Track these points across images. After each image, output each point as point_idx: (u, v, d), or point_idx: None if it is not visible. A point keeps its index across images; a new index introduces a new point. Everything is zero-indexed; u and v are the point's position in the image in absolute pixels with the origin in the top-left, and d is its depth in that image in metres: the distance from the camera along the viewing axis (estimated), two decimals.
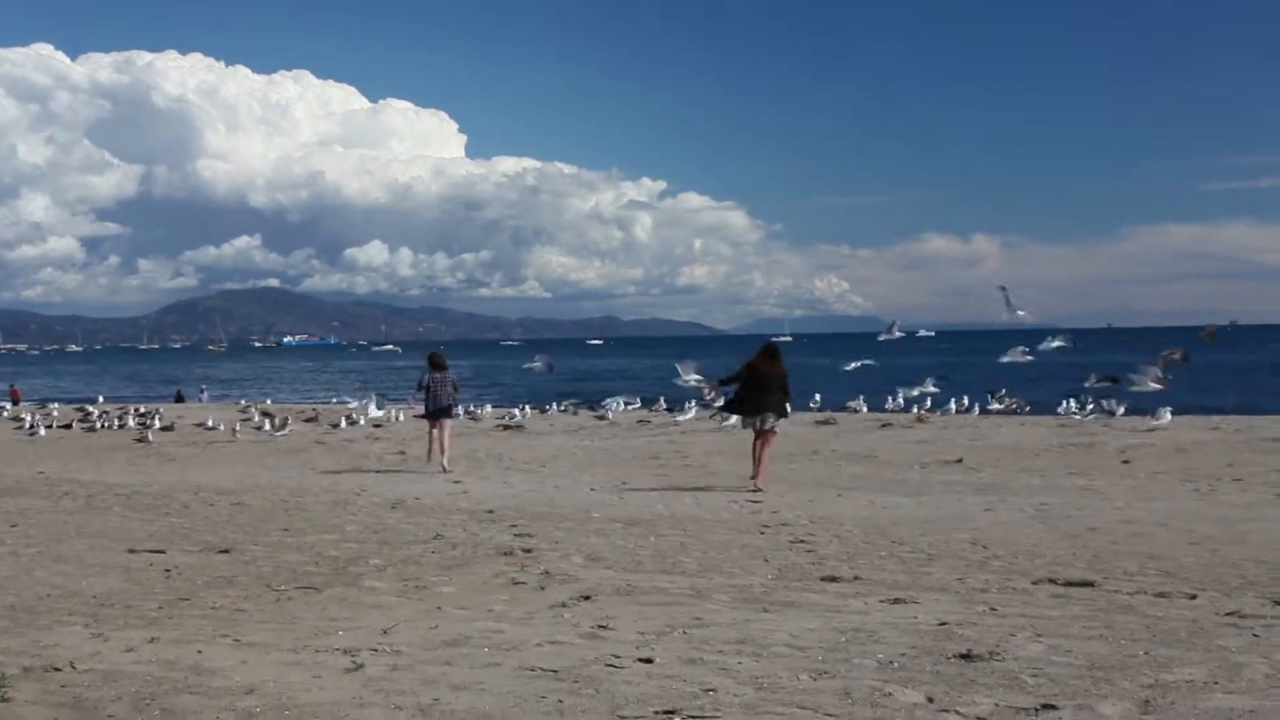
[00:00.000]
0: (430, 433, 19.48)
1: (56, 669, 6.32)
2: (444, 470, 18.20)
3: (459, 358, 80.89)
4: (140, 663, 6.47)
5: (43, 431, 26.47)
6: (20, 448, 22.16)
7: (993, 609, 7.78)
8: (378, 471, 17.37)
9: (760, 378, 16.36)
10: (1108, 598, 8.19)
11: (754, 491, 15.02)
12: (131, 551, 10.54)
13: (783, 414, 16.46)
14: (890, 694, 5.72)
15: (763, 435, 16.14)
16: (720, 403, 21.73)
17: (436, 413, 19.11)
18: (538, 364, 30.21)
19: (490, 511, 12.89)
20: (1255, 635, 6.90)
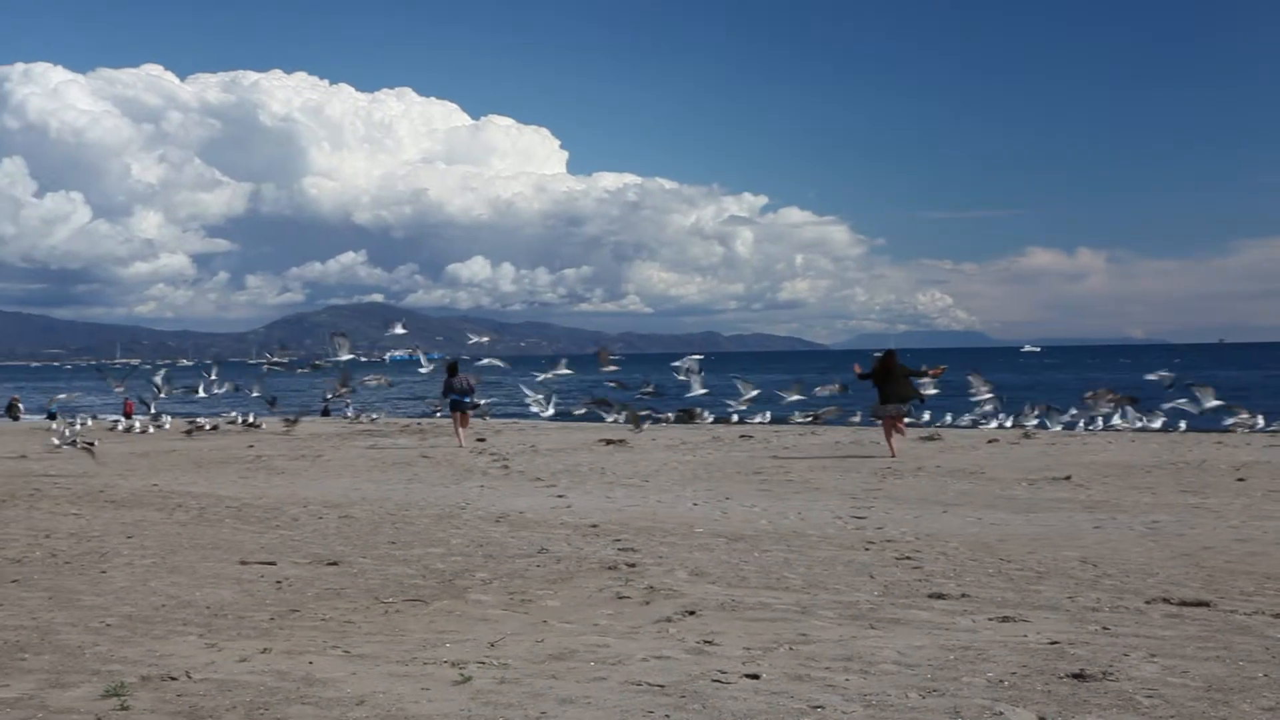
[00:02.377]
0: (454, 420, 26.35)
1: (173, 678, 6.45)
2: (466, 449, 24.12)
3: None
4: (254, 673, 6.59)
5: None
6: (134, 461, 22.62)
7: (1105, 628, 7.65)
8: (481, 485, 17.49)
9: (889, 373, 21.68)
10: (1224, 618, 8.01)
11: (891, 459, 20.14)
12: (243, 563, 10.72)
13: (909, 400, 22.19)
14: (1001, 713, 5.65)
15: (895, 418, 21.60)
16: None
17: (454, 405, 26.21)
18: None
19: (594, 526, 12.93)
20: None
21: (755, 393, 29.79)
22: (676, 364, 32.41)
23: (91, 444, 23.42)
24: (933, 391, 26.43)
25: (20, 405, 45.18)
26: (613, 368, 31.96)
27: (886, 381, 21.66)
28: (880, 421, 22.14)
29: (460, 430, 26.06)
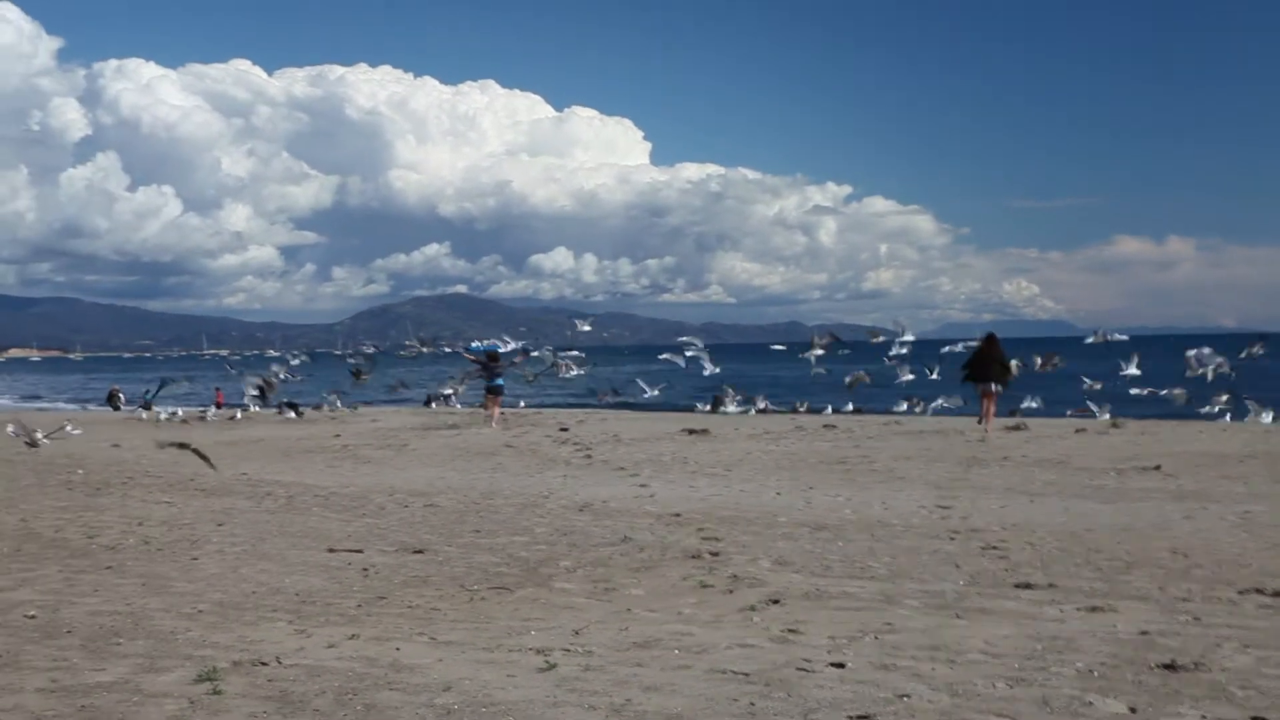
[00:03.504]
0: (488, 401, 29.72)
1: (263, 663, 6.55)
2: (492, 427, 27.30)
3: (643, 363, 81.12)
4: (342, 659, 6.67)
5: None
6: (222, 450, 22.94)
7: (1196, 619, 7.54)
8: (564, 475, 17.55)
9: (984, 356, 24.34)
10: None
11: (982, 437, 22.03)
12: (331, 551, 10.85)
13: (1002, 381, 24.43)
14: (1091, 703, 5.60)
15: (989, 395, 24.12)
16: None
17: (490, 390, 29.52)
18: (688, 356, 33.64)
19: (677, 515, 12.94)
20: None
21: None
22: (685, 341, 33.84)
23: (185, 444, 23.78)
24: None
25: (121, 395, 45.91)
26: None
27: (984, 363, 24.29)
28: (980, 395, 24.69)
29: (495, 410, 29.39)
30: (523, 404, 40.37)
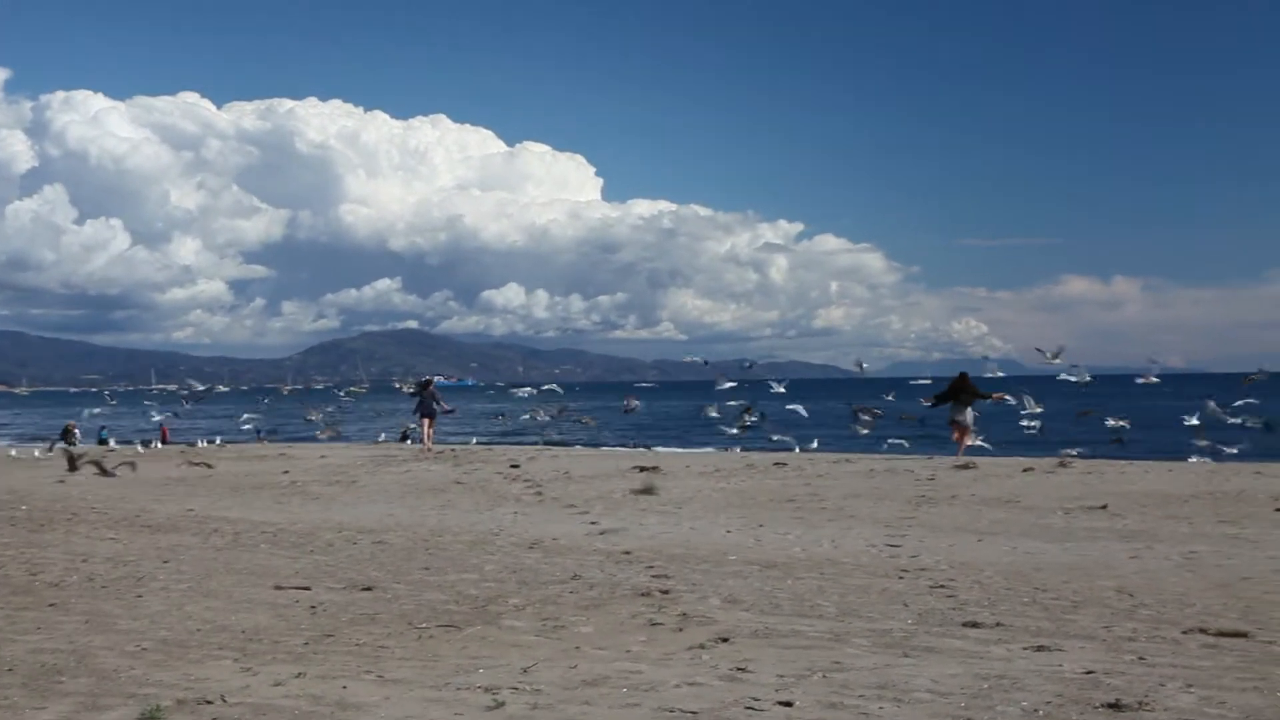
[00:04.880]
0: (423, 424, 33.05)
1: (208, 702, 6.50)
2: (429, 450, 30.95)
3: (590, 399, 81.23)
4: (288, 697, 6.63)
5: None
6: (170, 486, 22.75)
7: (1141, 658, 7.61)
8: (515, 512, 17.50)
9: (957, 392, 26.63)
10: (1262, 649, 7.95)
11: (963, 467, 23.51)
12: (278, 588, 10.77)
13: (968, 411, 26.46)
14: None
15: (961, 429, 26.45)
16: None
17: (425, 413, 32.87)
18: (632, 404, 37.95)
19: (627, 553, 12.93)
20: None
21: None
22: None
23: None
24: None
25: (76, 431, 45.45)
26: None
27: (956, 396, 26.69)
28: (952, 428, 26.96)
29: (428, 432, 33.15)
30: (474, 441, 40.47)
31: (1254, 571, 11.39)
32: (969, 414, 26.90)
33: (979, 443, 29.54)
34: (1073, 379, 31.49)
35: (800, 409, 34.28)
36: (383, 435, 43.86)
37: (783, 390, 36.93)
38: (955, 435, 27.01)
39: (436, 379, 38.52)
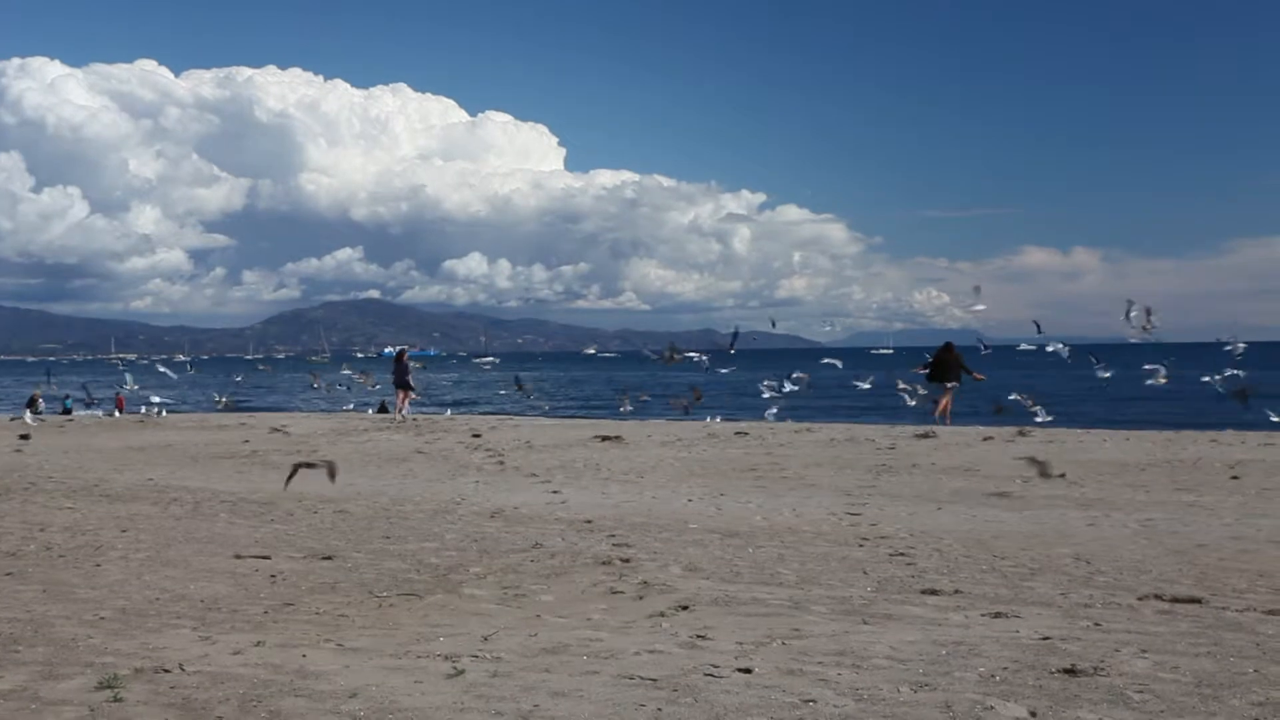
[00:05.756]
0: (398, 395, 33.76)
1: (166, 670, 6.47)
2: (403, 419, 31.50)
3: (553, 369, 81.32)
4: (247, 665, 6.61)
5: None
6: (130, 455, 22.61)
7: (1097, 624, 7.68)
8: (476, 481, 17.49)
9: (941, 360, 28.06)
10: (1216, 615, 8.04)
11: (939, 424, 26.22)
12: (238, 557, 10.73)
13: (957, 380, 27.87)
14: (992, 708, 5.68)
15: (946, 392, 27.80)
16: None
17: (399, 384, 33.59)
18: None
19: (588, 521, 12.95)
20: None
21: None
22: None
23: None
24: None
25: (41, 400, 45.15)
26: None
27: (941, 366, 28.10)
28: (939, 395, 28.29)
29: (404, 402, 33.92)
30: (449, 413, 40.62)
31: (1209, 539, 11.50)
32: (952, 384, 28.17)
33: (1044, 416, 29.80)
34: (1052, 349, 31.47)
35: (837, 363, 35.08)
36: (351, 405, 44.06)
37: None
38: (941, 404, 28.14)
39: (398, 349, 38.77)
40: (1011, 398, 29.46)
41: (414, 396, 35.29)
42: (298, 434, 27.55)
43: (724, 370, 35.94)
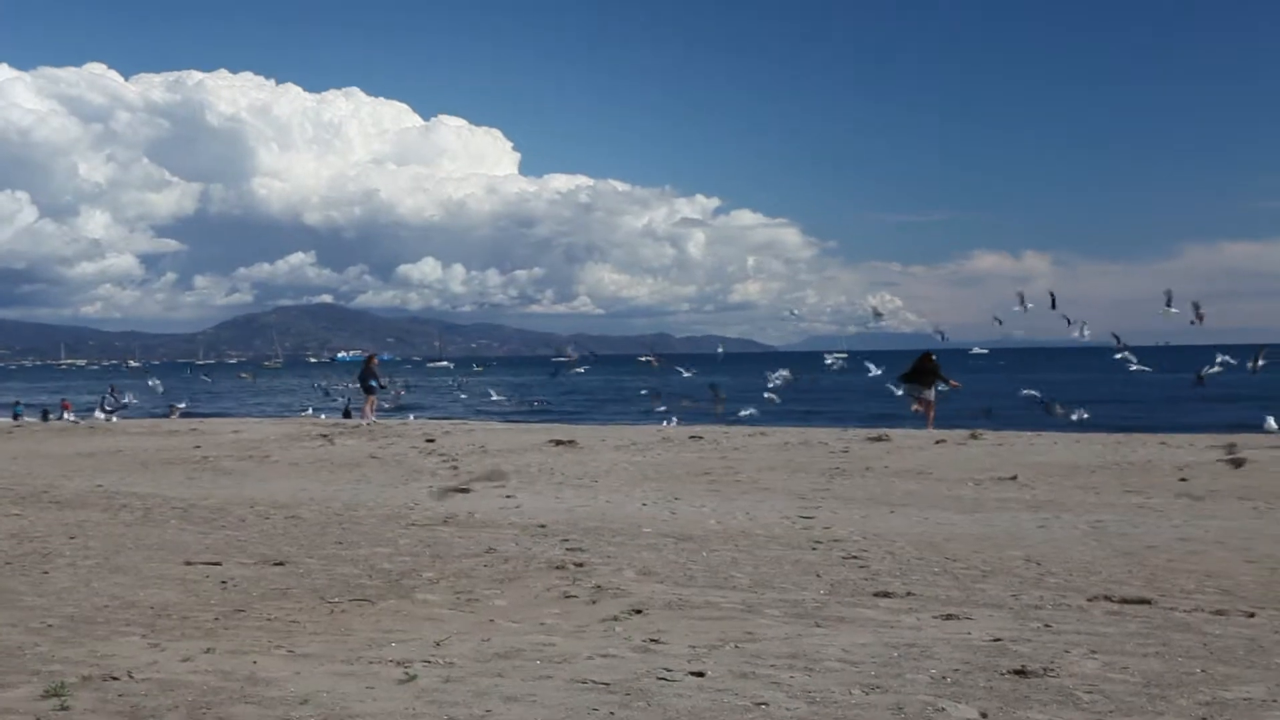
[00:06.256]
0: (367, 400, 35.16)
1: (114, 678, 6.41)
2: (370, 423, 31.85)
3: (507, 374, 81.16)
4: (196, 672, 6.56)
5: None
6: (79, 461, 22.40)
7: (1047, 626, 7.74)
8: (430, 486, 17.43)
9: (921, 370, 28.93)
10: (1164, 615, 8.12)
11: (930, 431, 25.68)
12: (188, 564, 10.65)
13: (934, 388, 28.72)
14: (943, 709, 5.71)
15: (925, 401, 28.63)
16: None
17: (366, 389, 35.14)
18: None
19: (542, 526, 12.93)
20: None
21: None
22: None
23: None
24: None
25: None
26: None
27: (920, 374, 29.06)
28: (916, 400, 29.29)
29: (370, 408, 35.20)
30: (412, 416, 40.58)
31: (1158, 540, 11.61)
32: (931, 391, 29.09)
33: (1082, 415, 30.37)
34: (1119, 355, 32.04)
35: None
36: (309, 409, 44.15)
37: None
38: (917, 408, 29.41)
39: (351, 353, 39.61)
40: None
41: (372, 401, 35.73)
42: (250, 439, 27.37)
43: (686, 374, 36.99)
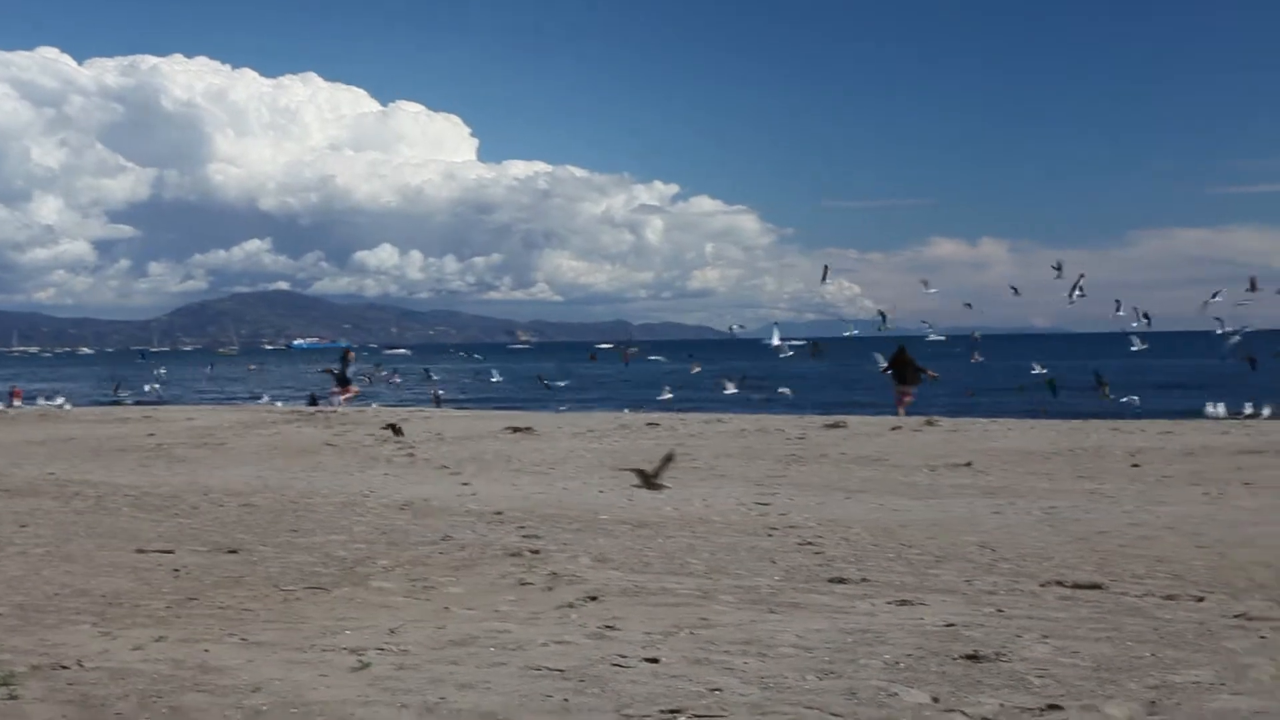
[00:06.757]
0: (347, 390, 34.60)
1: (64, 667, 6.36)
2: (342, 412, 31.15)
3: (466, 360, 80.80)
4: (148, 661, 6.51)
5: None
6: (31, 449, 22.20)
7: (1000, 611, 7.79)
8: (386, 474, 17.38)
9: (900, 363, 30.15)
10: (1115, 600, 8.19)
11: (903, 419, 26.13)
12: (140, 551, 10.57)
13: (916, 381, 30.15)
14: (896, 694, 5.73)
15: (906, 393, 29.75)
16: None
17: (340, 381, 34.69)
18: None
19: (498, 513, 12.91)
20: (1262, 637, 6.91)
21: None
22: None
23: None
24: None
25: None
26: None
27: (900, 367, 30.26)
28: (897, 393, 30.18)
29: (345, 397, 34.63)
30: (374, 405, 40.52)
31: (1110, 525, 11.70)
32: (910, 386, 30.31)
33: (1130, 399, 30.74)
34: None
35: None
36: (265, 397, 44.01)
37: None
38: (909, 399, 30.09)
39: (308, 341, 39.80)
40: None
41: (354, 391, 35.91)
42: (204, 426, 27.19)
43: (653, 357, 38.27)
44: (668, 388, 38.65)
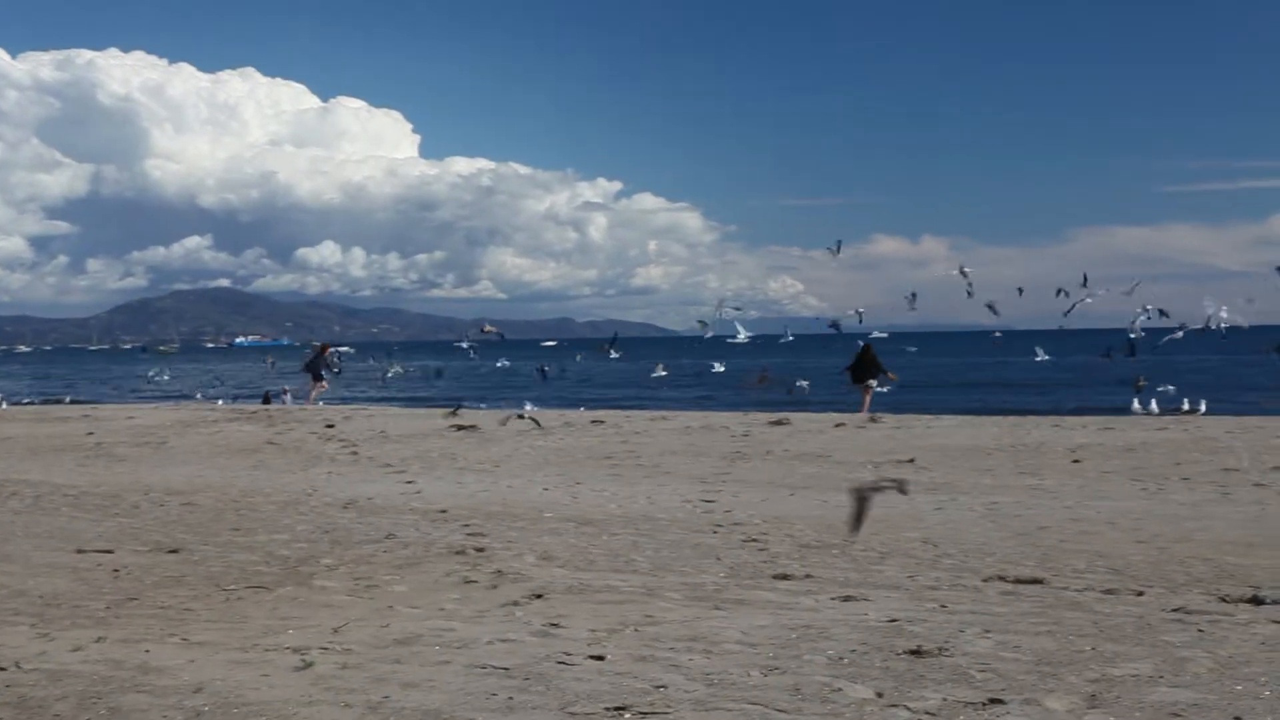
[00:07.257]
0: (318, 385, 35.30)
1: (2, 669, 6.28)
2: (318, 405, 32.30)
3: (409, 358, 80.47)
4: (87, 662, 6.44)
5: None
6: None
7: (943, 606, 7.84)
8: (329, 472, 17.27)
9: (862, 360, 30.40)
10: (1056, 595, 8.27)
11: (870, 421, 24.69)
12: (79, 552, 10.45)
13: (875, 379, 30.25)
14: (840, 689, 5.76)
15: (868, 391, 29.99)
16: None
17: (314, 376, 35.25)
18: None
19: (443, 511, 12.86)
20: (1200, 631, 6.99)
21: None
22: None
23: None
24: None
25: None
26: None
27: (862, 365, 30.51)
28: (861, 391, 30.39)
29: (316, 392, 35.35)
30: (320, 402, 40.40)
31: (1051, 521, 11.82)
32: (873, 381, 30.67)
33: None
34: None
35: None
36: (199, 394, 43.67)
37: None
38: (863, 395, 30.46)
39: (249, 339, 39.84)
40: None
41: (324, 388, 36.42)
42: (145, 425, 26.90)
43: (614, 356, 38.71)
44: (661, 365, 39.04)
